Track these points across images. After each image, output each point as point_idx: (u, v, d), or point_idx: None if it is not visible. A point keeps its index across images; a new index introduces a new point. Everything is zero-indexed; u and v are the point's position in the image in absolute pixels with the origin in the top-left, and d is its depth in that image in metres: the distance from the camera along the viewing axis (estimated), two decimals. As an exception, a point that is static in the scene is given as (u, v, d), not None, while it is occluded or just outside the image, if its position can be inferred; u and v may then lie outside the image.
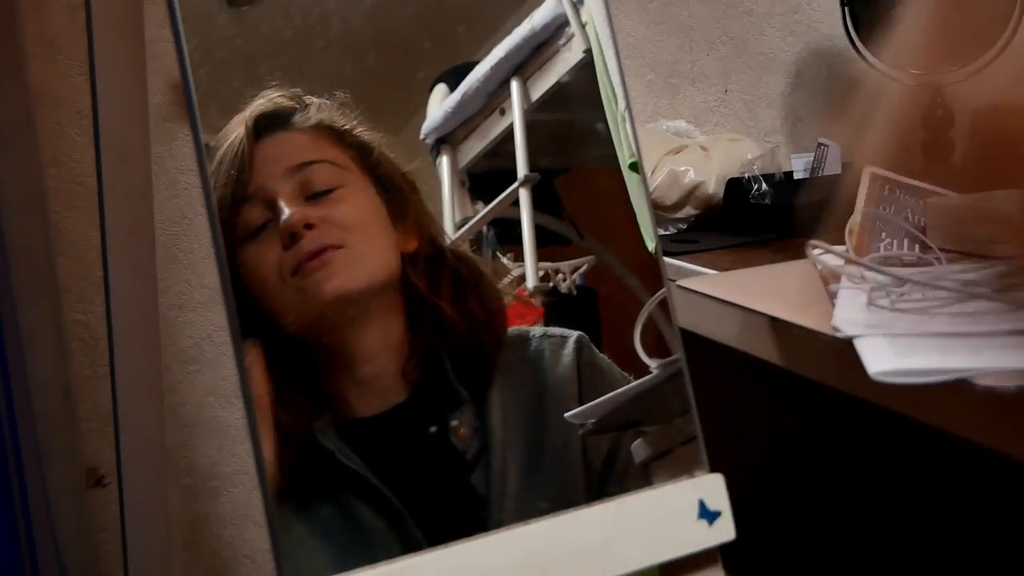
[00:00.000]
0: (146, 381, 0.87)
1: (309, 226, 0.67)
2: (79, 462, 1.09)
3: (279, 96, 0.70)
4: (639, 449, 0.72)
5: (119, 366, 0.84)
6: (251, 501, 1.19)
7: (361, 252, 0.68)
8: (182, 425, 1.16)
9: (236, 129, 0.68)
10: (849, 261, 0.77)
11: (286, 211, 0.67)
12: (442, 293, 0.72)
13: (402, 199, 0.72)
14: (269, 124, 0.69)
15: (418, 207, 0.74)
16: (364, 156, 0.72)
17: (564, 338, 0.74)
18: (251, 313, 0.66)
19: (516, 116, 0.83)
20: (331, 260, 0.67)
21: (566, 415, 0.71)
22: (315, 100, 0.71)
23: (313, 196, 0.68)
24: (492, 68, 0.83)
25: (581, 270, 0.84)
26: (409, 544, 0.64)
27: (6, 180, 0.98)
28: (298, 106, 0.71)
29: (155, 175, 0.94)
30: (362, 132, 0.72)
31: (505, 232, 0.81)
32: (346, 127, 0.72)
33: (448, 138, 0.84)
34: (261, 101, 0.69)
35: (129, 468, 0.87)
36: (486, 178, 0.84)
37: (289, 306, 0.67)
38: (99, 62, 0.77)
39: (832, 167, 1.18)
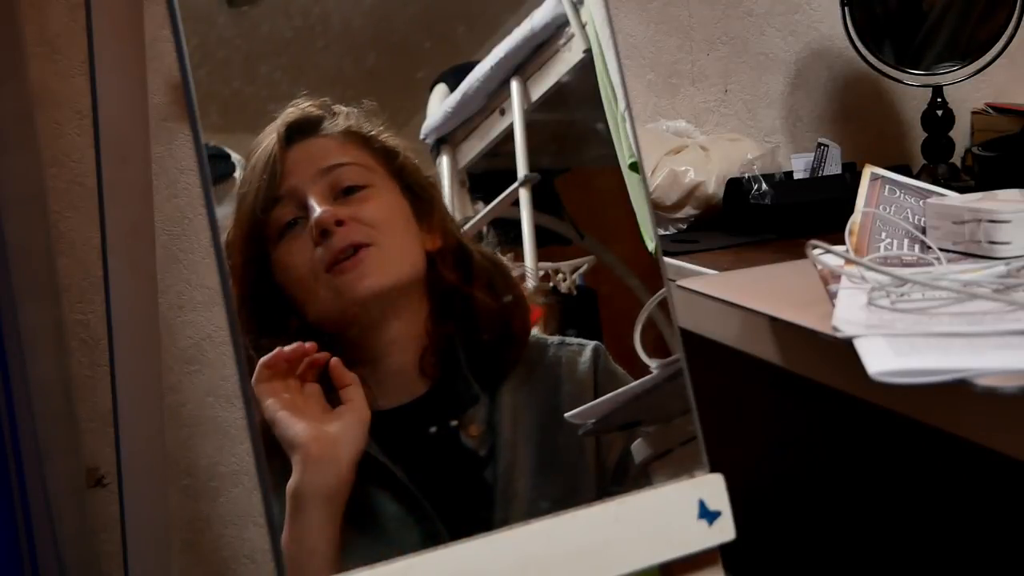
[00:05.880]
0: (146, 381, 0.87)
1: (340, 223, 0.69)
2: (79, 462, 1.09)
3: (309, 105, 0.73)
4: (639, 449, 0.72)
5: (119, 366, 0.84)
6: (251, 501, 1.19)
7: (390, 250, 0.71)
8: (182, 425, 1.16)
9: (268, 137, 0.71)
10: (849, 261, 0.77)
11: (317, 209, 0.69)
12: (475, 284, 0.74)
13: (426, 200, 0.75)
14: (300, 131, 0.72)
15: (442, 209, 0.76)
16: (390, 160, 0.74)
17: (581, 347, 0.76)
18: (281, 308, 0.69)
19: (516, 116, 0.83)
20: (363, 260, 0.69)
21: (567, 415, 0.72)
22: (343, 108, 0.74)
23: (341, 195, 0.71)
24: (492, 68, 0.83)
25: (581, 270, 0.84)
26: (428, 533, 0.66)
27: (6, 180, 0.98)
28: (327, 115, 0.73)
29: (155, 175, 0.94)
30: (387, 138, 0.75)
31: (505, 232, 0.81)
32: (372, 133, 0.74)
33: (448, 138, 0.84)
34: (291, 110, 0.72)
35: (129, 468, 0.87)
36: (486, 178, 0.84)
37: (322, 301, 0.69)
38: (99, 62, 0.77)
39: (832, 167, 1.18)
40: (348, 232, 0.69)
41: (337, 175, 0.71)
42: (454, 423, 0.71)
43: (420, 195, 0.75)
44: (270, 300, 0.69)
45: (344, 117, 0.74)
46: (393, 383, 0.71)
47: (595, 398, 0.73)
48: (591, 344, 0.76)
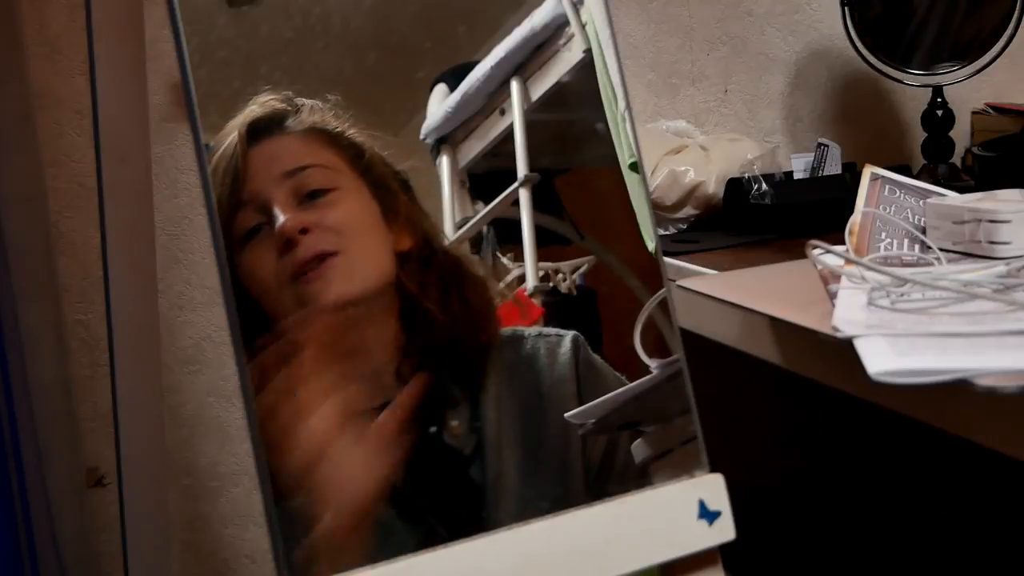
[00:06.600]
0: (146, 381, 0.87)
1: (304, 231, 0.67)
2: (79, 462, 1.09)
3: (272, 100, 0.71)
4: (639, 449, 0.72)
5: (119, 366, 0.84)
6: (251, 501, 1.19)
7: (356, 257, 0.69)
8: (182, 425, 1.16)
9: (230, 136, 0.68)
10: (849, 261, 0.77)
11: (281, 217, 0.67)
12: (429, 294, 0.72)
13: (395, 199, 0.73)
14: (262, 129, 0.70)
15: (410, 206, 0.74)
16: (357, 158, 0.72)
17: (560, 337, 0.75)
18: (252, 313, 0.67)
19: (516, 116, 0.83)
20: (328, 270, 0.68)
21: (566, 415, 0.71)
22: (308, 102, 0.72)
23: (306, 200, 0.69)
24: (492, 68, 0.83)
25: (581, 270, 0.84)
26: (420, 528, 0.66)
27: (6, 180, 0.98)
28: (291, 109, 0.71)
29: (155, 175, 0.94)
30: (354, 134, 0.73)
31: (505, 232, 0.81)
32: (338, 130, 0.72)
33: (448, 138, 0.83)
34: (254, 107, 0.70)
35: (129, 468, 0.87)
36: (486, 178, 0.84)
37: (289, 310, 0.68)
38: (99, 62, 0.77)
39: (832, 167, 1.18)
40: (314, 240, 0.67)
41: (302, 178, 0.69)
42: (431, 426, 0.69)
43: (388, 193, 0.73)
44: (243, 304, 0.66)
45: (308, 112, 0.71)
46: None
47: (577, 389, 0.73)
48: (570, 334, 0.75)
